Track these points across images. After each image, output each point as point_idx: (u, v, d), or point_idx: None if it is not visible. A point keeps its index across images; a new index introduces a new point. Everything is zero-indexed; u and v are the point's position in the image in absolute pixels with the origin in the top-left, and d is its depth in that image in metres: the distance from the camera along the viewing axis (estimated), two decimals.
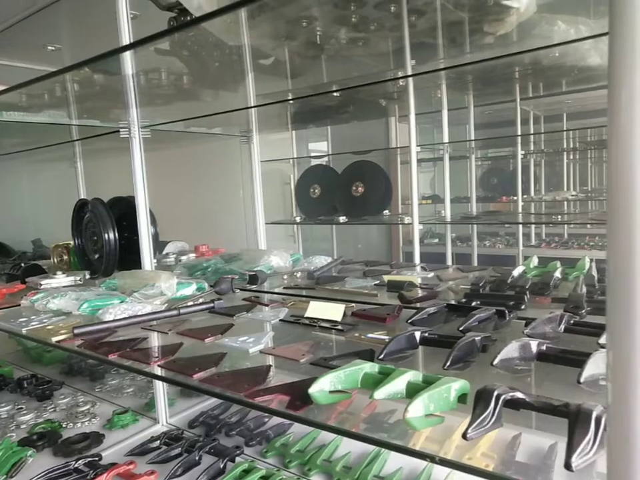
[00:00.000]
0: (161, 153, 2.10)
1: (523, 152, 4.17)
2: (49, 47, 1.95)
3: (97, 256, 1.49)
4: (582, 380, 0.46)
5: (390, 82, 1.53)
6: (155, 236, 1.57)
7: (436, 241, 4.89)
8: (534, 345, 0.57)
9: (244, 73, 0.95)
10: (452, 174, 3.39)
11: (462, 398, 0.49)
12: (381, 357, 0.61)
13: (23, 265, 1.52)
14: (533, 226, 4.63)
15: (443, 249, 3.42)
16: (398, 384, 0.51)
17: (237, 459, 1.23)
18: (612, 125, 0.34)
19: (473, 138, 3.31)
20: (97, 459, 1.26)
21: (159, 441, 1.34)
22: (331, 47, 0.98)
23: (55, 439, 1.38)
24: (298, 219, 3.39)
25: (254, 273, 1.22)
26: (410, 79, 1.49)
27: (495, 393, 0.46)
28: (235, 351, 0.74)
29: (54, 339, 0.85)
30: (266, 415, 1.46)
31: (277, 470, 1.18)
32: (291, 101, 1.24)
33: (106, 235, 1.43)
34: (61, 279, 1.30)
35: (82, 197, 1.68)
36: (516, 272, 1.05)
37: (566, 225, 4.91)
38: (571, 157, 5.09)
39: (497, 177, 5.19)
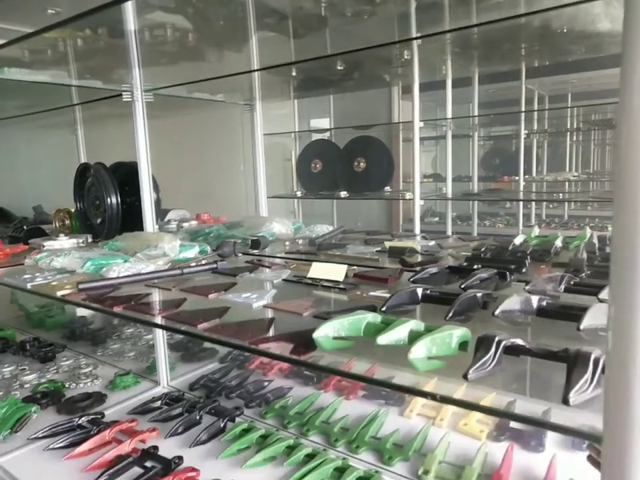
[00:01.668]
0: (163, 122, 2.09)
1: (526, 131, 4.14)
2: (50, 11, 1.92)
3: (99, 220, 1.50)
4: (581, 327, 0.47)
5: (394, 55, 1.51)
6: (157, 202, 1.58)
7: (436, 219, 4.89)
8: (534, 299, 0.58)
9: (248, 32, 0.94)
10: (454, 153, 3.37)
11: (463, 345, 0.51)
12: (383, 309, 0.62)
13: (25, 227, 1.52)
14: (533, 206, 4.63)
15: (444, 227, 3.41)
16: (400, 331, 0.52)
17: (237, 419, 1.26)
18: (623, 103, 0.34)
19: (476, 115, 3.28)
20: (99, 416, 1.29)
21: (160, 402, 1.37)
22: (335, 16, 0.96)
23: (58, 398, 1.41)
24: (299, 194, 3.38)
25: (256, 238, 1.23)
26: (415, 48, 1.48)
27: (496, 339, 0.47)
28: (238, 306, 0.75)
29: (59, 293, 0.86)
30: (265, 379, 1.48)
31: (275, 430, 1.21)
32: (294, 67, 1.23)
33: (108, 199, 1.43)
34: (64, 241, 1.31)
35: (83, 161, 1.68)
36: (517, 240, 1.06)
37: (566, 207, 4.91)
38: (574, 138, 5.06)
39: (499, 157, 5.17)
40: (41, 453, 1.17)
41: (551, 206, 5.01)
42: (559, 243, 1.01)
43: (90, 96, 1.46)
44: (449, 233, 3.27)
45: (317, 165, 3.45)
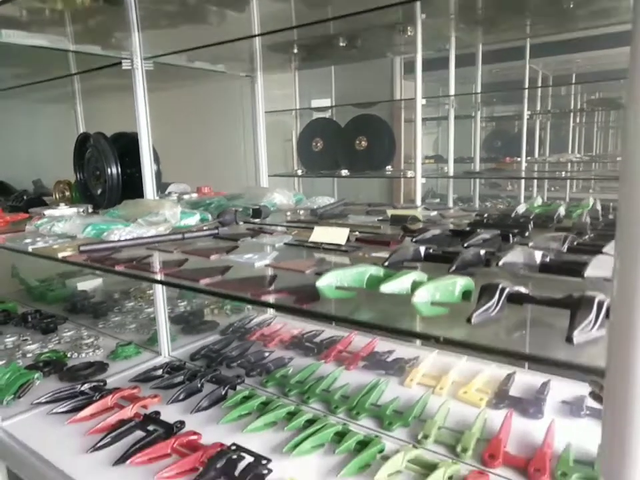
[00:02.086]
0: (163, 96, 2.06)
1: (529, 112, 4.11)
2: None
3: (99, 191, 1.49)
4: (586, 276, 0.47)
5: (398, 30, 1.49)
6: (157, 173, 1.57)
7: (437, 200, 4.88)
8: (538, 254, 0.58)
9: None
10: (456, 134, 3.35)
11: (466, 294, 0.51)
12: (386, 263, 0.62)
13: (25, 197, 1.52)
14: (535, 188, 4.62)
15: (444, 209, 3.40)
16: (404, 281, 0.51)
17: (238, 388, 1.27)
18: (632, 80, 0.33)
19: (479, 92, 3.24)
20: (101, 383, 1.30)
21: (161, 370, 1.38)
22: None
23: (60, 367, 1.42)
24: (300, 172, 3.37)
25: (257, 207, 1.22)
26: (419, 23, 1.45)
27: (500, 286, 0.47)
28: (240, 265, 0.75)
29: (60, 255, 0.86)
30: (266, 349, 1.49)
31: (276, 397, 1.22)
32: (296, 32, 1.21)
33: (109, 170, 1.43)
34: (64, 210, 1.30)
35: (83, 131, 1.66)
36: (519, 208, 1.05)
37: (568, 189, 4.90)
38: (577, 120, 5.02)
39: (501, 140, 5.13)
40: (44, 418, 1.18)
41: (552, 189, 5.00)
42: (562, 210, 1.01)
43: (90, 63, 1.44)
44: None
45: (318, 144, 3.43)
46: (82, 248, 0.86)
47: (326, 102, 4.06)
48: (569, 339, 0.39)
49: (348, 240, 0.89)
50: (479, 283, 0.54)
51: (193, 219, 1.13)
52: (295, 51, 1.54)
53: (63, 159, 1.68)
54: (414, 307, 0.46)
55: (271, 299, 0.58)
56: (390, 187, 5.29)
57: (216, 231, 1.00)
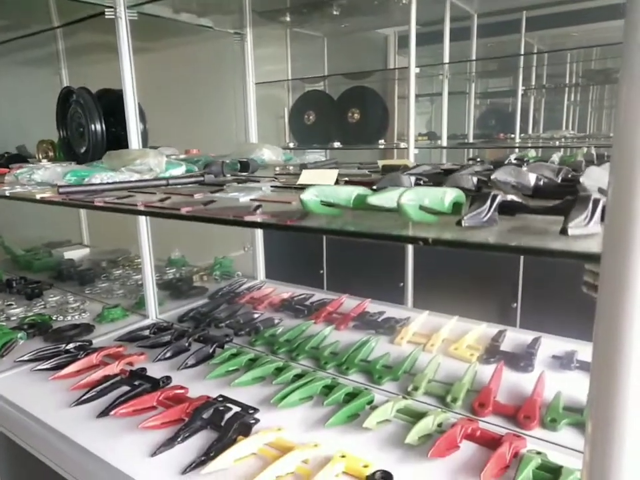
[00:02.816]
0: (150, 59, 2.01)
1: (524, 88, 4.07)
2: None
3: (83, 149, 1.45)
4: (581, 180, 0.45)
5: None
6: (143, 133, 1.53)
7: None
8: (532, 177, 0.56)
9: None
10: (449, 112, 3.32)
11: (457, 207, 0.48)
12: (374, 187, 0.59)
13: (6, 155, 1.48)
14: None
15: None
16: (392, 194, 0.49)
17: (226, 346, 1.25)
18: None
19: (474, 59, 3.20)
20: (87, 343, 1.27)
21: (148, 331, 1.35)
22: None
23: (45, 328, 1.39)
24: (291, 145, 3.32)
25: (245, 160, 1.19)
26: None
27: (492, 194, 0.45)
28: (226, 200, 0.72)
29: (38, 196, 0.83)
30: (255, 312, 1.47)
31: (265, 355, 1.20)
32: None
33: (92, 126, 1.38)
34: (47, 166, 1.26)
35: (66, 85, 1.61)
36: (512, 157, 1.03)
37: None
38: (572, 98, 4.98)
39: (495, 118, 5.09)
40: (28, 375, 1.15)
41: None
42: (556, 158, 0.99)
43: (71, 13, 1.38)
44: None
45: (310, 117, 3.39)
46: (61, 190, 0.83)
47: (319, 85, 3.99)
48: (564, 231, 0.36)
49: (337, 183, 0.86)
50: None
51: (179, 170, 1.10)
52: (287, 18, 1.49)
53: (48, 124, 1.64)
54: (401, 209, 0.43)
55: (255, 219, 0.55)
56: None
57: (202, 178, 0.97)
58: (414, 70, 2.35)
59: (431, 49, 3.62)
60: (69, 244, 2.35)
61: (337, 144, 3.17)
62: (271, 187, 0.87)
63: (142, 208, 0.69)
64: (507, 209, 0.46)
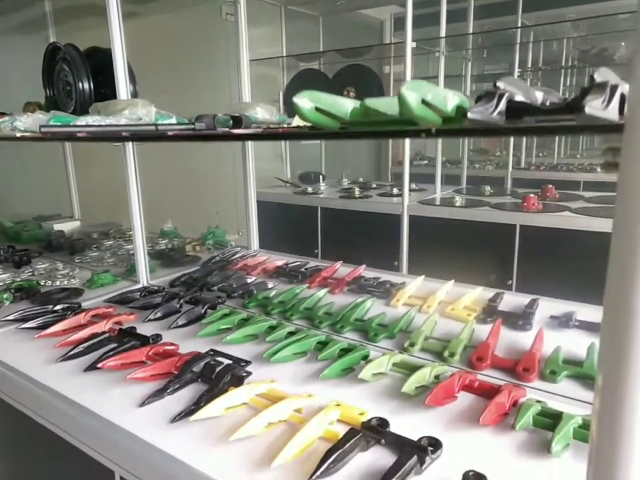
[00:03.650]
0: (140, 21, 1.96)
1: (519, 71, 4.03)
2: None
3: (70, 109, 1.40)
4: (595, 76, 0.42)
5: None
6: (133, 94, 1.48)
7: (425, 162, 4.83)
8: (539, 94, 0.52)
9: None
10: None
11: (460, 111, 0.45)
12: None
13: None
14: (524, 151, 4.58)
15: (432, 170, 3.35)
16: (392, 101, 0.46)
17: (218, 308, 1.22)
18: None
19: (470, 32, 3.15)
20: (75, 305, 1.24)
21: (139, 294, 1.32)
22: None
23: (32, 292, 1.36)
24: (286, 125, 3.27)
25: (238, 115, 1.15)
26: None
27: (499, 92, 0.42)
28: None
29: (18, 134, 0.79)
30: (249, 277, 1.44)
31: (258, 315, 1.17)
32: None
33: (80, 84, 1.34)
34: (30, 114, 1.22)
35: (52, 41, 1.56)
36: None
37: (556, 154, 4.88)
38: (567, 82, 4.93)
39: None
40: (13, 334, 1.12)
41: (540, 155, 4.98)
42: None
43: None
44: (438, 176, 3.22)
45: None
46: (43, 129, 0.79)
47: (314, 64, 3.94)
48: (580, 109, 0.34)
49: None
50: None
51: (169, 121, 1.06)
52: None
53: (36, 90, 1.59)
54: (402, 100, 0.40)
55: (243, 133, 0.52)
56: (378, 149, 5.22)
57: (192, 126, 0.94)
58: (410, 44, 2.31)
59: (427, 31, 3.57)
60: (59, 217, 2.30)
61: None
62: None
63: (126, 134, 0.65)
64: (514, 110, 0.43)
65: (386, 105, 0.45)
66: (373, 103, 0.45)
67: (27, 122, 0.95)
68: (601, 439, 0.35)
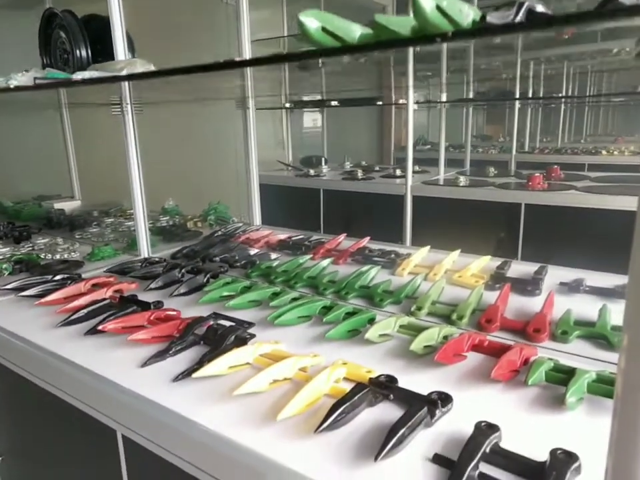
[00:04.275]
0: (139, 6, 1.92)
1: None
2: None
3: None
4: None
5: None
6: None
7: (428, 147, 4.80)
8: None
9: None
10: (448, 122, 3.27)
11: (475, 25, 0.42)
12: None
13: None
14: (527, 135, 4.54)
15: (435, 155, 3.32)
16: (406, 19, 0.43)
17: (220, 277, 1.20)
18: None
19: None
20: (76, 275, 1.22)
21: (140, 264, 1.30)
22: None
23: (32, 265, 1.34)
24: (287, 105, 3.24)
25: None
26: None
27: (519, 1, 0.39)
28: None
29: (12, 85, 0.77)
30: (251, 247, 1.42)
31: (261, 283, 1.15)
32: None
33: (77, 52, 1.31)
34: (25, 72, 1.19)
35: (49, 7, 1.53)
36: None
37: (560, 138, 4.83)
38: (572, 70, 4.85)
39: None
40: (13, 302, 1.11)
41: (544, 140, 4.93)
42: None
43: None
44: (442, 157, 3.19)
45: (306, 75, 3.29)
46: (38, 81, 0.77)
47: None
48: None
49: None
50: None
51: None
52: None
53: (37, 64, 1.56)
54: (415, 4, 0.37)
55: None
56: (379, 133, 5.18)
57: None
58: None
59: None
60: (59, 197, 2.28)
61: (334, 102, 3.09)
62: None
63: (124, 73, 0.63)
64: (534, 20, 0.40)
65: (397, 22, 0.43)
66: (384, 19, 0.42)
67: (22, 80, 0.92)
68: (626, 394, 0.34)
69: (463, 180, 2.57)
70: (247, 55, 1.73)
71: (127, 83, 1.18)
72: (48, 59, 1.39)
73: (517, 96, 3.73)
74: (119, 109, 1.29)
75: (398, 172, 2.94)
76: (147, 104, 1.56)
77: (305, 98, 3.35)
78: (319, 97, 3.22)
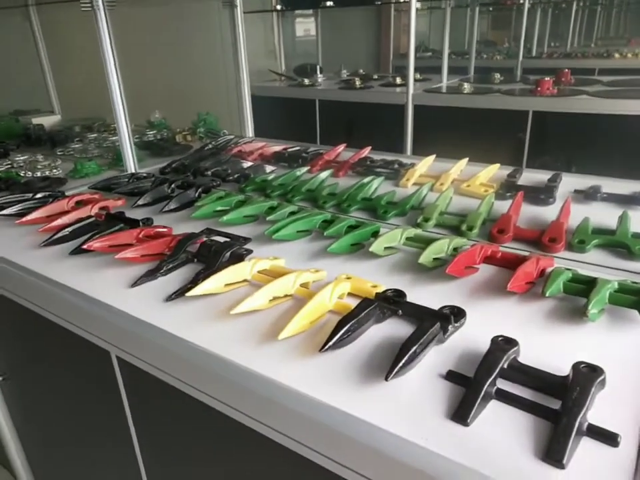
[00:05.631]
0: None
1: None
2: None
3: None
4: None
5: None
6: None
7: (429, 54, 4.51)
8: None
9: None
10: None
11: None
12: None
13: None
14: (535, 39, 4.25)
15: (437, 63, 3.09)
16: None
17: (213, 191, 1.12)
18: None
19: None
20: (58, 193, 1.14)
21: (127, 180, 1.22)
22: None
23: (12, 183, 1.25)
24: (278, 7, 2.98)
25: None
26: None
27: None
28: None
29: None
30: (244, 160, 1.33)
31: (257, 197, 1.08)
32: None
33: None
34: None
35: None
36: None
37: (569, 41, 4.54)
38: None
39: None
40: None
41: (552, 44, 4.63)
42: None
43: None
44: (445, 63, 2.97)
45: None
46: None
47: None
48: None
49: None
50: None
51: None
52: None
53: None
54: None
55: None
56: (377, 41, 4.85)
57: None
58: None
59: None
60: (38, 112, 2.13)
61: (329, 3, 2.83)
62: None
63: None
64: None
65: None
66: None
67: None
68: None
69: (466, 87, 2.41)
70: (241, 28, 1.55)
71: None
72: None
73: None
74: (89, 3, 1.14)
75: (398, 80, 2.76)
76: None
77: None
78: None
